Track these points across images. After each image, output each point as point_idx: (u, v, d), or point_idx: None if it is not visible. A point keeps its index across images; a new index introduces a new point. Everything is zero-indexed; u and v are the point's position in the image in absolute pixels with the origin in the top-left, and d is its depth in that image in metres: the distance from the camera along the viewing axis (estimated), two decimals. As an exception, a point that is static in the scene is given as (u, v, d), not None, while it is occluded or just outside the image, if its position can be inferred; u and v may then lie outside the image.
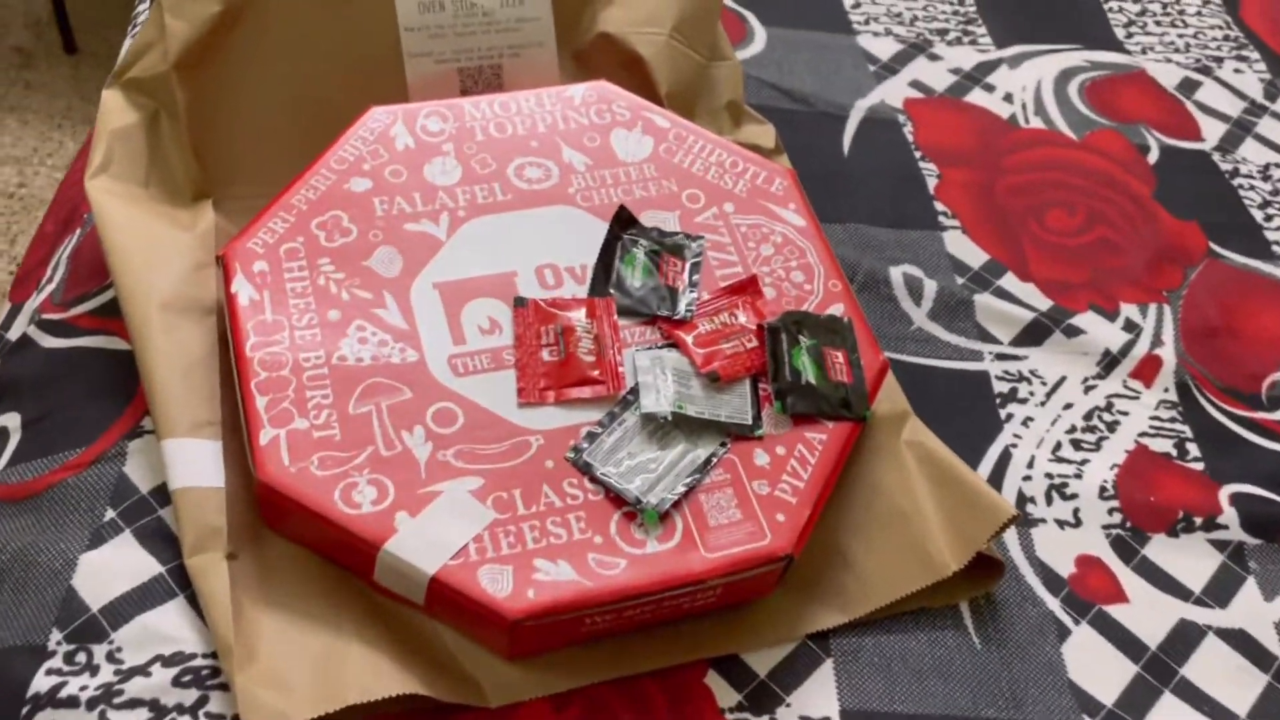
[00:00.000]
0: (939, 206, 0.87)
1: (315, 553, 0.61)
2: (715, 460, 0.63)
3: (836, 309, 0.70)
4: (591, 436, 0.63)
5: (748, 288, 0.70)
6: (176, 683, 0.56)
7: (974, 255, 0.84)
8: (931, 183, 0.89)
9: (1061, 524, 0.70)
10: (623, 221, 0.71)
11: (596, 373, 0.65)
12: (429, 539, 0.58)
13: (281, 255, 0.66)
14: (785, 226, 0.73)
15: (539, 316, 0.67)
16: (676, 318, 0.69)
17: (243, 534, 0.60)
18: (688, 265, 0.70)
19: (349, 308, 0.65)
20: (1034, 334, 0.79)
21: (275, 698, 0.54)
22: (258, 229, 0.67)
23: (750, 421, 0.65)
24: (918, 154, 0.91)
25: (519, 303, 0.67)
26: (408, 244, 0.68)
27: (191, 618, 0.58)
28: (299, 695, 0.55)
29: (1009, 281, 0.83)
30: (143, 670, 0.56)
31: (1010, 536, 0.69)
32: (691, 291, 0.70)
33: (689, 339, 0.67)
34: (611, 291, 0.69)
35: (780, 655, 0.62)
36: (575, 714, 0.58)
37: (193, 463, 0.61)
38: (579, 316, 0.67)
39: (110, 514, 0.62)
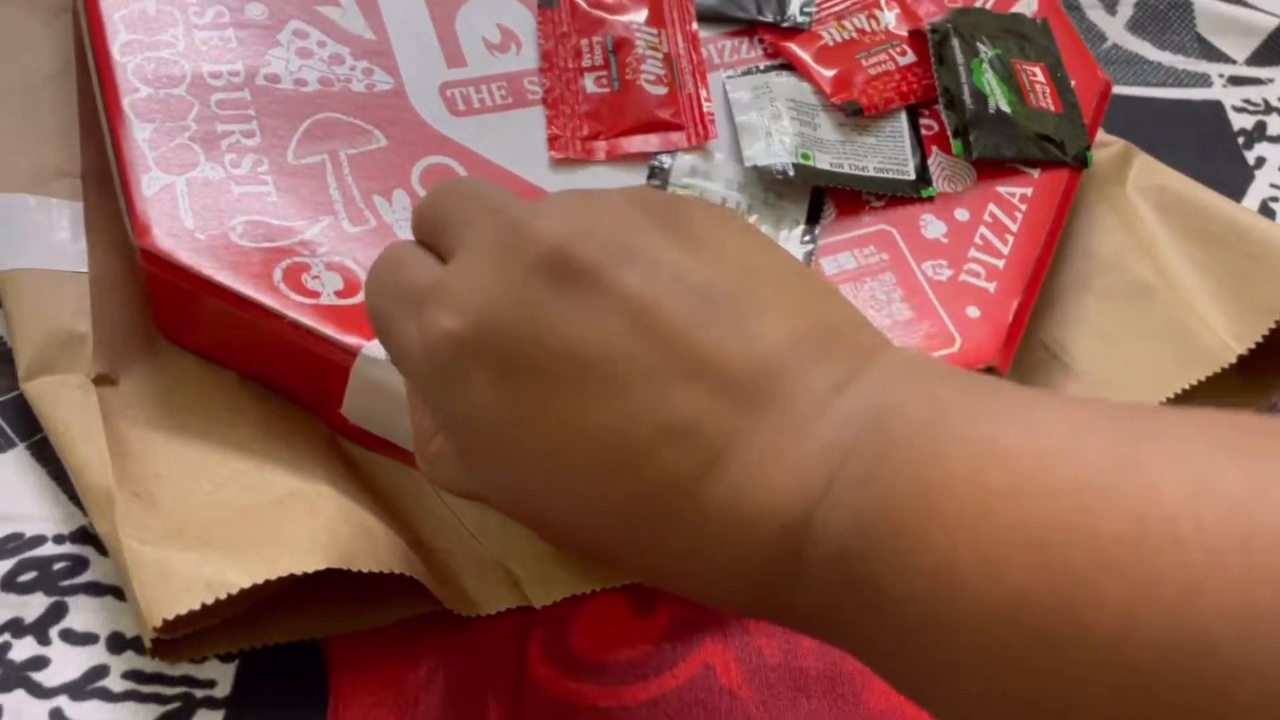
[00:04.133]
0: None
1: (244, 375, 0.39)
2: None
3: (1025, 5, 0.47)
4: (669, 205, 0.40)
5: (892, -25, 0.47)
6: (9, 585, 0.35)
7: (1182, -51, 0.61)
8: None
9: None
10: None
11: (669, 112, 0.42)
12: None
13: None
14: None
15: (577, 23, 0.43)
16: (787, 24, 0.45)
17: (123, 347, 0.38)
18: (796, -51, 0.47)
19: (280, 0, 0.42)
20: (1279, 48, 0.58)
21: (196, 561, 0.32)
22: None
23: (913, 175, 0.42)
24: None
25: (545, 1, 0.44)
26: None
27: (32, 481, 0.37)
28: (236, 554, 0.33)
29: (1238, -20, 0.60)
30: None
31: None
32: (807, -15, 0.46)
33: (809, 56, 0.44)
34: (686, -14, 0.45)
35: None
36: (663, 620, 0.38)
37: (33, 232, 0.39)
38: (639, 22, 0.44)
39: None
